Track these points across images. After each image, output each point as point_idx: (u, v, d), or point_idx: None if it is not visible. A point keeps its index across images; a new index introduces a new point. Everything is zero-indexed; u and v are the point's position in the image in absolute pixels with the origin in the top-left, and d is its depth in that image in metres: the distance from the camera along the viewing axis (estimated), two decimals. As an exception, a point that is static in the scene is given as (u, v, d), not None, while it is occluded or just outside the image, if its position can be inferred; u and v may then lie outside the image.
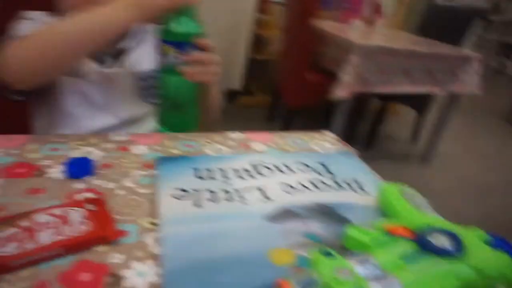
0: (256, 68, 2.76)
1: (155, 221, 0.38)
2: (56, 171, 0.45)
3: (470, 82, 1.93)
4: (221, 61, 0.56)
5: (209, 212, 0.39)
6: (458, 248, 0.31)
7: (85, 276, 0.31)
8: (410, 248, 0.32)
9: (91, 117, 0.62)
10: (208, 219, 0.38)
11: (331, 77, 1.78)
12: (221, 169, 0.47)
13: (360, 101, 2.21)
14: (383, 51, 1.67)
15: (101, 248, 0.34)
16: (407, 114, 2.73)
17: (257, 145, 0.56)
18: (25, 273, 0.31)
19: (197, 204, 0.40)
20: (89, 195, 0.41)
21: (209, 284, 0.30)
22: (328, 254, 0.30)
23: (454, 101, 2.06)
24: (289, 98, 2.13)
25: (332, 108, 1.91)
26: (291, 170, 0.49)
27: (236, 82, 2.59)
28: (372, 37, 2.06)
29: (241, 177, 0.46)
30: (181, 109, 0.59)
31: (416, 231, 0.33)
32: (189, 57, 0.52)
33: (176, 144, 0.54)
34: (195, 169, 0.47)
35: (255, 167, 0.49)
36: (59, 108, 0.62)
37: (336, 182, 0.47)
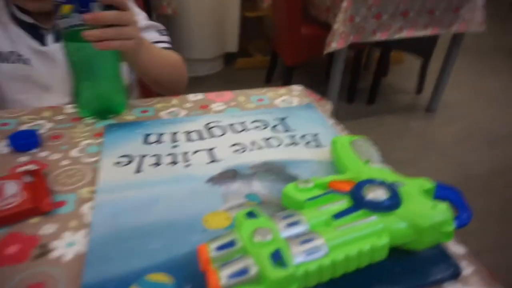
0: (251, 27, 2.66)
1: (94, 189, 0.37)
2: (2, 145, 0.44)
3: (473, 19, 1.81)
4: (136, 20, 0.48)
5: (149, 178, 0.38)
6: (394, 201, 0.29)
7: (12, 249, 0.31)
8: (346, 204, 0.30)
9: (40, 100, 0.61)
10: (146, 185, 0.37)
11: (326, 28, 1.70)
12: (172, 133, 0.46)
13: (358, 51, 2.13)
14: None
15: (35, 220, 0.34)
16: (413, 62, 2.62)
17: (217, 106, 0.54)
18: (-48, 250, 0.30)
19: (138, 171, 0.39)
20: (32, 167, 0.40)
21: (133, 250, 0.30)
22: (251, 215, 0.28)
23: (457, 42, 1.95)
24: (285, 55, 2.06)
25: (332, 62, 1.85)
26: (246, 129, 0.47)
27: (232, 43, 2.52)
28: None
29: (191, 140, 0.44)
30: (97, 86, 0.48)
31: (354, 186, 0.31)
32: (92, 17, 0.42)
33: (131, 111, 0.52)
34: (146, 135, 0.45)
35: (208, 128, 0.47)
36: (3, 98, 0.61)
37: (292, 138, 0.45)
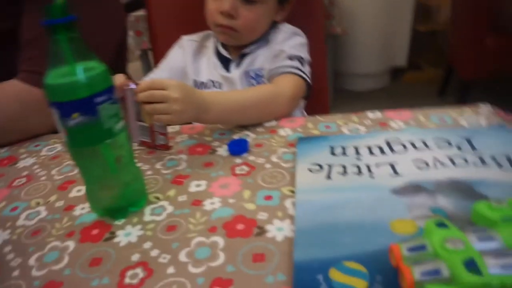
0: (422, 41, 2.51)
1: (293, 189, 0.46)
2: (223, 150, 0.58)
3: None
4: (176, 97, 0.52)
5: (338, 184, 0.44)
6: None
7: (240, 226, 0.41)
8: (549, 228, 0.29)
9: None
10: (336, 190, 0.43)
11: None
12: (355, 147, 0.51)
13: None
14: None
15: (251, 207, 0.44)
16: None
17: (395, 123, 0.57)
18: (201, 220, 0.43)
19: (328, 177, 0.45)
20: (245, 167, 0.52)
21: (331, 242, 0.36)
22: (441, 225, 0.31)
23: None
24: (464, 68, 1.88)
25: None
26: (427, 146, 0.48)
27: (400, 57, 2.44)
28: None
29: (373, 154, 0.49)
30: (110, 184, 0.45)
31: (561, 210, 0.30)
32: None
33: (317, 125, 0.60)
34: (331, 147, 0.52)
35: (389, 144, 0.50)
36: None
37: (481, 158, 0.44)
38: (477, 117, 0.55)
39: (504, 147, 0.46)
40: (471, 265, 0.26)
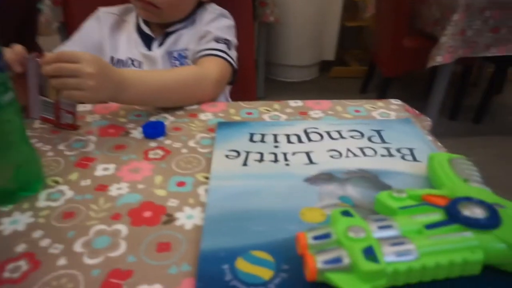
0: (350, 37, 2.64)
1: (208, 175, 0.44)
2: (137, 132, 0.53)
3: None
4: (92, 72, 0.46)
5: (253, 171, 0.43)
6: (492, 221, 0.29)
7: (147, 213, 0.38)
8: (440, 217, 0.31)
9: None
10: (251, 177, 0.42)
11: (431, 41, 1.62)
12: (274, 135, 0.51)
13: (467, 66, 1.97)
14: (496, 5, 1.44)
15: (162, 193, 0.41)
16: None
17: (315, 113, 0.58)
18: (104, 206, 0.39)
19: (245, 164, 0.44)
20: (160, 152, 0.49)
21: (241, 230, 0.35)
22: (346, 214, 0.31)
23: None
24: (384, 66, 2.01)
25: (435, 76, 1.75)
26: (342, 137, 0.50)
27: (329, 52, 2.53)
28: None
29: (290, 142, 0.49)
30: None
31: (450, 200, 0.32)
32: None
33: (239, 111, 0.59)
34: (251, 134, 0.51)
35: (306, 133, 0.51)
36: None
37: (388, 150, 0.47)
38: (388, 111, 0.59)
39: (408, 140, 0.49)
40: (369, 253, 0.27)
